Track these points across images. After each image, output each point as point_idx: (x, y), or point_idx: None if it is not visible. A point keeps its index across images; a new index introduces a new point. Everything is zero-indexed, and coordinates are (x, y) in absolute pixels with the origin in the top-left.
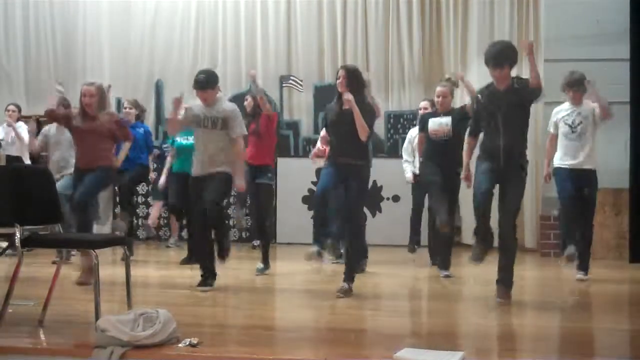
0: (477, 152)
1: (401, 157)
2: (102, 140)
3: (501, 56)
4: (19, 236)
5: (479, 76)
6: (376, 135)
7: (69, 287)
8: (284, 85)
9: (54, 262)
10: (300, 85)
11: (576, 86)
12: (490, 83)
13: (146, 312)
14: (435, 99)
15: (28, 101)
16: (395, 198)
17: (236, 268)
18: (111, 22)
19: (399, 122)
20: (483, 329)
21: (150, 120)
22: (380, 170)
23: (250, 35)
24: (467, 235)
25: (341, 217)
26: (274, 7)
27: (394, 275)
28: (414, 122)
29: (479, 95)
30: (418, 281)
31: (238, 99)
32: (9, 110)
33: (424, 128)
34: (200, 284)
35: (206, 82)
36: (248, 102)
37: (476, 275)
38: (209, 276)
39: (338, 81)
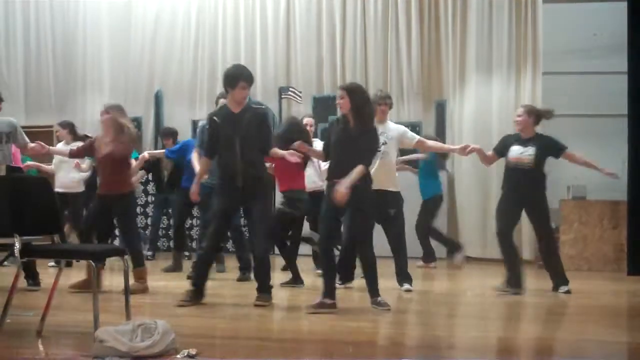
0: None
1: (399, 168)
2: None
3: None
4: (18, 246)
5: (476, 89)
6: None
7: (68, 298)
8: (283, 96)
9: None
10: (299, 96)
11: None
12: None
13: (145, 322)
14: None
15: (27, 112)
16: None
17: (232, 279)
18: (111, 34)
19: None
20: (478, 341)
21: (149, 130)
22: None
23: (249, 46)
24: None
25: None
26: (273, 19)
27: (392, 287)
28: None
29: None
30: (415, 293)
31: None
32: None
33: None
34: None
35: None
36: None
37: (471, 288)
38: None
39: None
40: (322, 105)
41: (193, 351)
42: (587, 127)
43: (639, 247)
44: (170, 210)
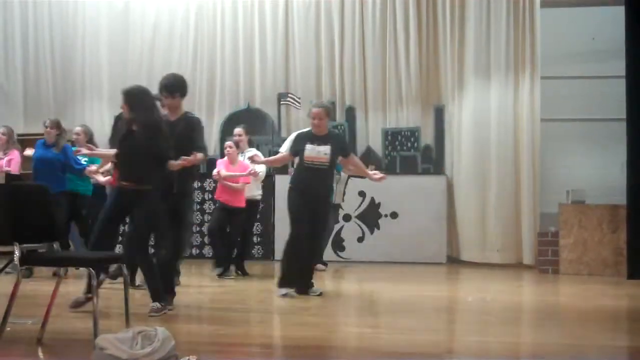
0: None
1: (399, 174)
2: None
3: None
4: (17, 254)
5: (475, 93)
6: (374, 153)
7: (68, 305)
8: (282, 102)
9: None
10: (298, 102)
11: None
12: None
13: (145, 330)
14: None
15: (26, 120)
16: (394, 215)
17: (232, 286)
18: (110, 41)
19: (397, 140)
20: (478, 345)
21: None
22: (378, 187)
23: (248, 53)
24: (464, 252)
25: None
26: (272, 25)
27: (393, 292)
28: (412, 139)
29: None
30: (418, 298)
31: (236, 116)
32: None
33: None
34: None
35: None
36: None
37: (473, 292)
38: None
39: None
40: None
41: (193, 358)
42: (586, 131)
43: (638, 251)
44: None
